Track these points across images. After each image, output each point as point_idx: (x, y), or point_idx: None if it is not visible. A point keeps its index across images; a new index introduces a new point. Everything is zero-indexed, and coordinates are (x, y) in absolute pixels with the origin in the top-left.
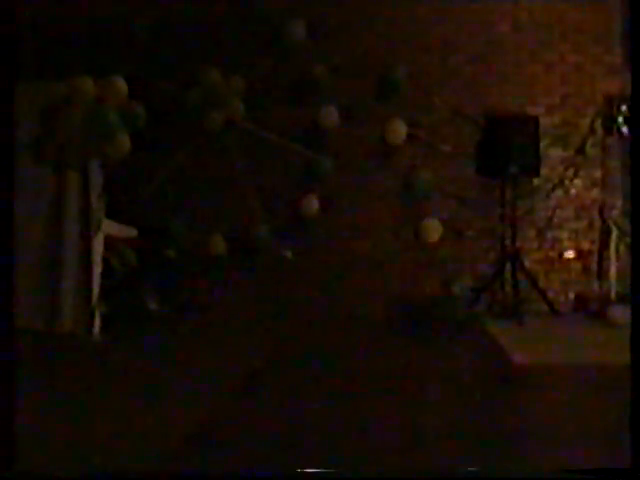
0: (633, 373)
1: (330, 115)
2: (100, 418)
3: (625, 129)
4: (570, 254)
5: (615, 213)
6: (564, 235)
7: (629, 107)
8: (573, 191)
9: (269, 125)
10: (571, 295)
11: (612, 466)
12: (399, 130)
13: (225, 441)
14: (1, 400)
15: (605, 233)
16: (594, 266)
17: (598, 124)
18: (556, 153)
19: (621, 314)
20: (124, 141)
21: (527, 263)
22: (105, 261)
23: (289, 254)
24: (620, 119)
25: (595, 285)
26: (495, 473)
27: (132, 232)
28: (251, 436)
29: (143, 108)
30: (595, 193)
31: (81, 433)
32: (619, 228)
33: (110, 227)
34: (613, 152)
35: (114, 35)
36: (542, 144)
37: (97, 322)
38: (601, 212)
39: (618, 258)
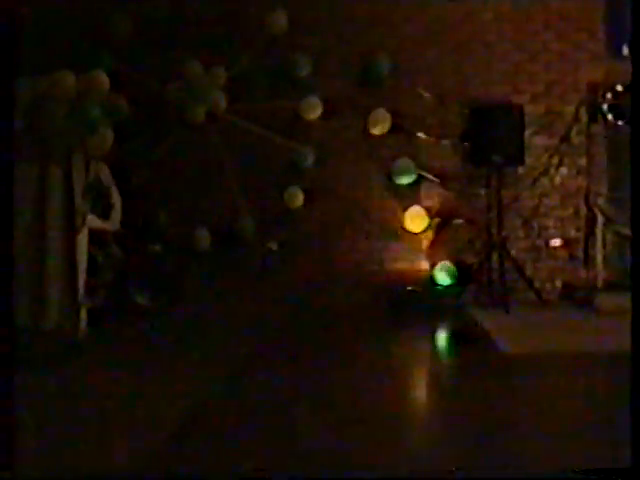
0: (633, 374)
1: (313, 106)
2: (88, 414)
3: (610, 116)
4: (556, 242)
5: (601, 200)
6: (550, 223)
7: (617, 95)
8: (558, 179)
9: (252, 117)
10: (558, 283)
11: (610, 463)
12: (383, 120)
13: (214, 434)
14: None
15: (591, 221)
16: (580, 254)
17: (583, 112)
18: (541, 141)
19: (608, 302)
20: (107, 135)
21: (513, 252)
22: (90, 256)
23: (274, 246)
24: (604, 106)
25: (582, 273)
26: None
27: (115, 225)
28: (240, 428)
29: (125, 102)
30: (580, 181)
31: (68, 430)
32: (605, 215)
33: (94, 221)
34: (598, 140)
35: (96, 29)
36: (527, 132)
37: (83, 317)
38: (587, 200)
39: (604, 245)
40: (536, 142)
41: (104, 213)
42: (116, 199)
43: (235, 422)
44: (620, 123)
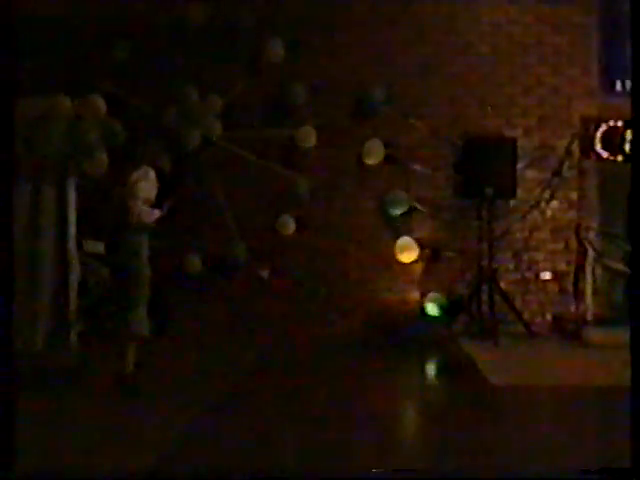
0: (633, 374)
1: (308, 135)
2: (73, 436)
3: (602, 151)
4: (546, 275)
5: (591, 235)
6: (540, 256)
7: (609, 130)
8: (549, 213)
9: (246, 144)
10: (547, 316)
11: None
12: (377, 151)
13: (200, 455)
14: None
15: (581, 255)
16: (570, 287)
17: (575, 146)
18: (533, 175)
19: (597, 335)
20: (102, 158)
21: (503, 284)
22: (81, 279)
23: (265, 273)
24: (597, 141)
25: (571, 306)
26: None
27: (101, 246)
28: (226, 452)
29: (121, 126)
30: (571, 215)
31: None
32: (595, 250)
33: (86, 244)
34: (590, 174)
35: (94, 53)
36: (519, 166)
37: (73, 340)
38: (577, 234)
39: (594, 279)
40: (528, 175)
41: None
42: None
43: (222, 447)
44: (612, 158)
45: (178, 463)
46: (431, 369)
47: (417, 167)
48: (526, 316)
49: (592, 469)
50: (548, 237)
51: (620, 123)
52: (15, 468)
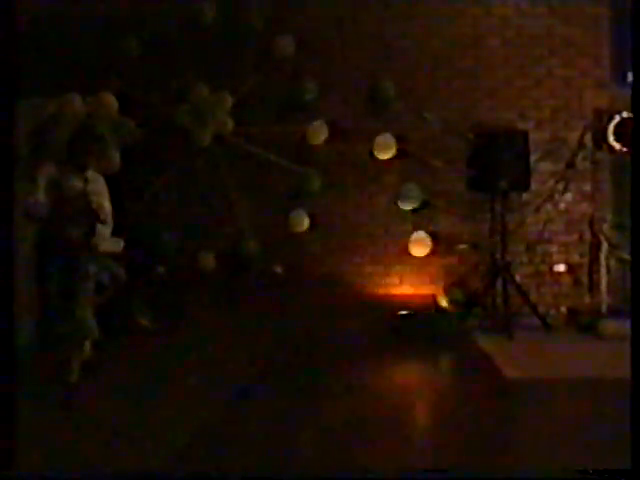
0: (633, 374)
1: (319, 130)
2: (88, 435)
3: (615, 143)
4: (561, 268)
5: (605, 226)
6: (554, 249)
7: (622, 122)
8: (563, 205)
9: (258, 141)
10: (562, 309)
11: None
12: (389, 145)
13: (214, 457)
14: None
15: (595, 247)
16: (585, 279)
17: (587, 138)
18: (546, 167)
19: (612, 327)
20: (115, 157)
21: (518, 277)
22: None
23: (279, 269)
24: (609, 133)
25: (586, 298)
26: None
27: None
28: (239, 453)
29: (134, 124)
30: (585, 207)
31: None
32: (609, 241)
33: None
34: (603, 166)
35: (104, 51)
36: (532, 158)
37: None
38: (591, 226)
39: (608, 271)
40: (541, 168)
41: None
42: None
43: (234, 445)
44: (625, 150)
45: (186, 463)
46: (445, 363)
47: (430, 161)
48: (540, 309)
49: (592, 469)
50: (562, 229)
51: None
52: (15, 468)
